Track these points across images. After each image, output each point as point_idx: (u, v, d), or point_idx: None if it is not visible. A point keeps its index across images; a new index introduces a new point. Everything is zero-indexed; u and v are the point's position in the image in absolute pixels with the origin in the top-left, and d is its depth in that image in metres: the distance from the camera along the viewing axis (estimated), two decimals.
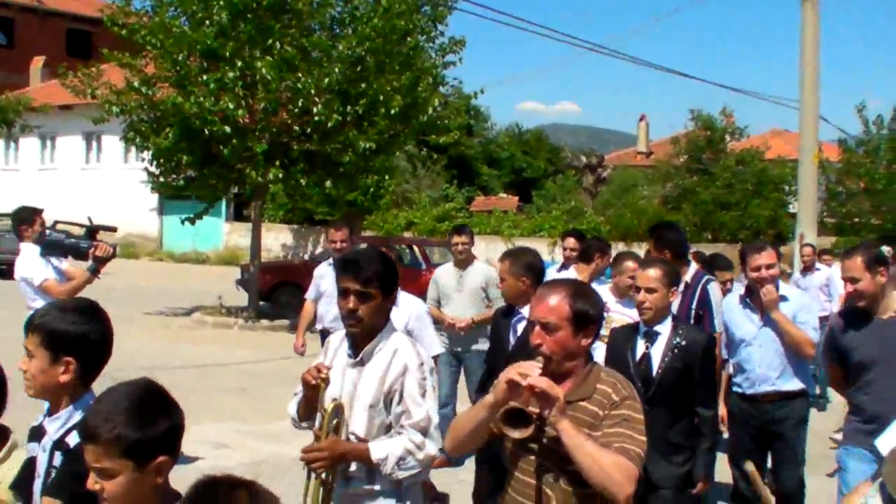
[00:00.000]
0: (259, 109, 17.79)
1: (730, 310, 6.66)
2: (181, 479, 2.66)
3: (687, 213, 37.69)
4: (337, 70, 17.69)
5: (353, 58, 17.93)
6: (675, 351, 5.33)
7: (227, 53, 17.76)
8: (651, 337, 5.42)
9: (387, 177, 24.59)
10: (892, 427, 3.14)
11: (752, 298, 6.49)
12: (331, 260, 9.22)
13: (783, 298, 6.35)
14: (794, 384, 6.44)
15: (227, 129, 17.53)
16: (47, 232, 7.80)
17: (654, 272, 5.45)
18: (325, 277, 9.23)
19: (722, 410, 6.70)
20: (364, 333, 4.06)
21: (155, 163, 19.61)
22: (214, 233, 38.12)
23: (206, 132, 17.68)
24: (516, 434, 3.15)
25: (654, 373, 5.32)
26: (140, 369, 8.02)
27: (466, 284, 9.20)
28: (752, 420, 6.50)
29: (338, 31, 18.22)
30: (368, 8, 18.07)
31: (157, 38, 17.49)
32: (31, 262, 7.78)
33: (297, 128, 18.19)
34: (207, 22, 17.84)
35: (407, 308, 6.70)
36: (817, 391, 11.22)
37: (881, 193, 31.66)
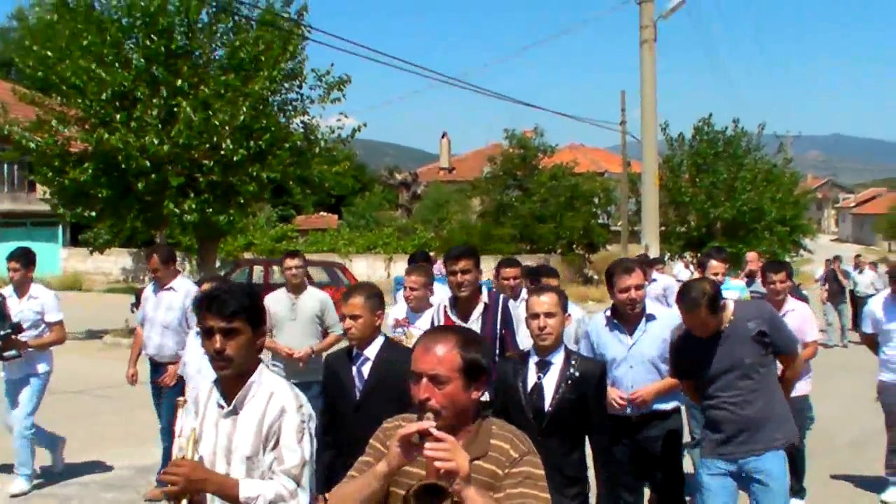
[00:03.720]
0: (177, 144, 19.14)
1: (597, 332, 6.36)
2: None
3: (507, 226, 40.80)
4: (245, 108, 19.33)
5: (262, 97, 19.61)
6: (570, 382, 5.08)
7: (139, 94, 19.16)
8: (544, 367, 5.15)
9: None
10: None
11: (619, 319, 6.24)
12: (153, 285, 8.84)
13: (651, 317, 6.20)
14: (667, 403, 6.26)
15: (147, 163, 18.83)
16: None
17: (549, 297, 5.18)
18: (148, 300, 8.74)
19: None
20: (235, 376, 3.70)
21: (60, 196, 20.57)
22: (51, 259, 38.09)
23: (124, 166, 18.92)
24: None
25: (547, 404, 5.05)
26: (105, 387, 9.23)
27: (301, 312, 8.62)
28: (626, 440, 6.17)
29: (244, 72, 19.77)
30: (276, 51, 19.80)
31: (80, 80, 18.57)
32: None
33: (206, 161, 19.67)
34: (118, 64, 19.13)
35: None
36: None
37: (686, 204, 35.66)
